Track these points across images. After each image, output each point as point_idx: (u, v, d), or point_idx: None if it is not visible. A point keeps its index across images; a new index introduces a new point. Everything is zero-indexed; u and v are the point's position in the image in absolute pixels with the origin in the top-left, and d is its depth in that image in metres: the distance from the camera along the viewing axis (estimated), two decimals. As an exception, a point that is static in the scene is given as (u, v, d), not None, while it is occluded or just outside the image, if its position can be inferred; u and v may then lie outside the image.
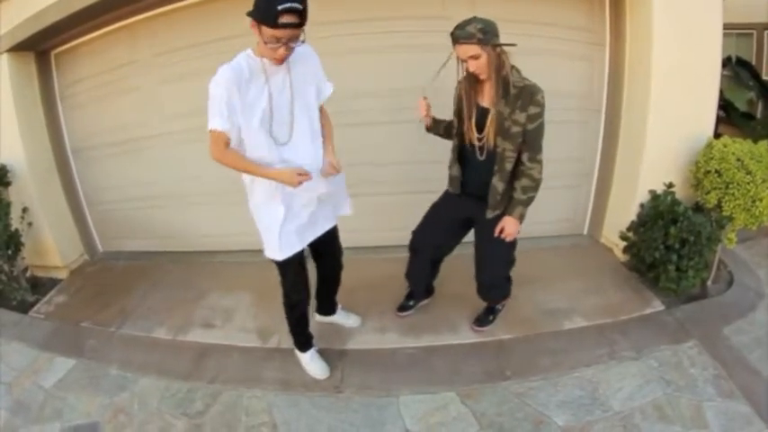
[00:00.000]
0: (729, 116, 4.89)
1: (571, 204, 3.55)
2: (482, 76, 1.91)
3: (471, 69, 1.88)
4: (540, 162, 2.00)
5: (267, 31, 1.52)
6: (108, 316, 3.04)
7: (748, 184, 2.63)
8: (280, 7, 1.44)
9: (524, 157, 1.97)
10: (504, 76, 1.88)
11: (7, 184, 3.46)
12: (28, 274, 3.61)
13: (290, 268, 2.04)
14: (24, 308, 3.28)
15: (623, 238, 3.03)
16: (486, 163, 2.05)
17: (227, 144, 1.69)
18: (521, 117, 1.88)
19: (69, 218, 3.80)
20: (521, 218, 2.06)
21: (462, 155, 2.16)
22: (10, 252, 3.24)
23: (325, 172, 1.88)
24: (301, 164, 1.77)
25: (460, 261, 2.50)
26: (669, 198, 2.83)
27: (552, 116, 3.11)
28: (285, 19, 1.47)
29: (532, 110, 1.88)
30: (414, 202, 2.54)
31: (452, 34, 1.85)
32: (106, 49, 3.47)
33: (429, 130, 2.24)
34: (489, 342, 2.55)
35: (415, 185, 3.14)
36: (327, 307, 2.68)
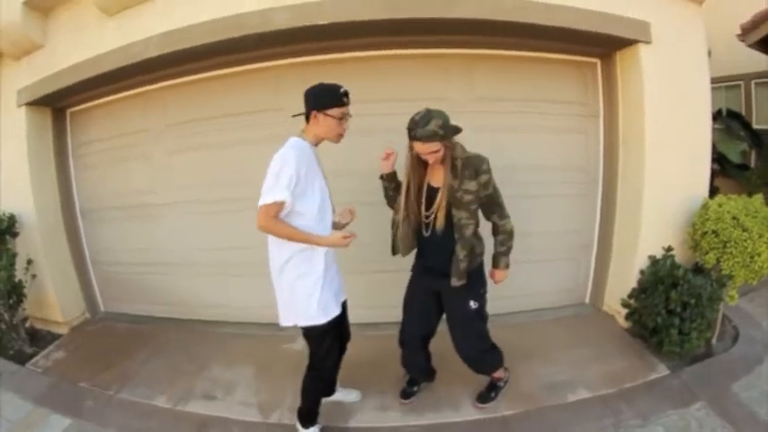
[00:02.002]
0: (724, 168, 4.97)
1: (572, 275, 3.55)
2: (434, 165, 2.01)
3: (431, 162, 1.98)
4: (508, 216, 2.14)
5: (337, 111, 1.91)
6: (107, 378, 2.99)
7: (745, 241, 2.67)
8: (342, 90, 1.93)
9: (494, 218, 2.13)
10: (453, 158, 1.98)
11: (15, 234, 3.52)
12: (27, 324, 3.59)
13: (329, 333, 2.11)
14: (22, 359, 3.24)
15: (625, 305, 3.04)
16: (441, 237, 2.08)
17: (278, 214, 1.84)
18: (471, 186, 1.98)
19: (73, 275, 3.83)
20: (507, 266, 2.22)
21: (416, 234, 2.19)
22: (12, 301, 3.26)
23: (346, 216, 2.20)
24: (331, 232, 2.03)
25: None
26: (669, 262, 2.86)
27: (550, 190, 3.26)
28: (347, 99, 1.95)
29: (483, 178, 1.99)
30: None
31: (411, 131, 1.91)
32: (120, 114, 3.60)
33: (383, 178, 2.22)
34: (492, 419, 2.48)
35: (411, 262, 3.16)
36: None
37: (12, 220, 3.50)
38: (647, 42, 2.88)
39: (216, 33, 2.66)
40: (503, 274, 2.27)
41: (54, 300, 3.61)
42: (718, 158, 4.80)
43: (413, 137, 1.91)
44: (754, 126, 5.47)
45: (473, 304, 2.16)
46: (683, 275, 2.72)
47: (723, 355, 2.87)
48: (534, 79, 3.18)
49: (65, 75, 3.18)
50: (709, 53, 4.57)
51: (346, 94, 1.95)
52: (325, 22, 2.57)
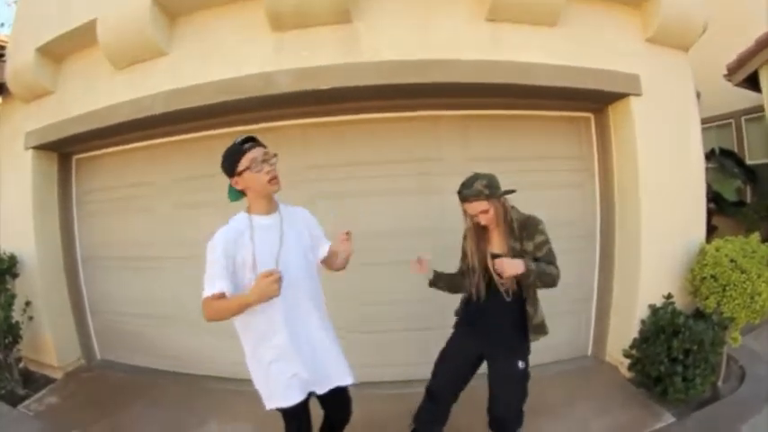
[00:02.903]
0: (721, 207, 5.01)
1: (573, 328, 3.51)
2: (491, 226, 2.03)
3: (483, 223, 1.99)
4: (559, 274, 2.04)
5: (245, 162, 1.73)
6: (101, 429, 2.91)
7: (744, 282, 2.67)
8: (238, 141, 1.76)
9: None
10: (510, 220, 2.01)
11: (15, 275, 3.52)
12: (21, 365, 3.53)
13: (297, 417, 1.91)
14: (13, 400, 3.18)
15: (627, 355, 3.00)
16: (504, 302, 2.08)
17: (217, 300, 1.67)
18: (529, 246, 2.00)
19: (71, 319, 3.79)
20: (527, 269, 1.93)
21: (471, 297, 2.18)
22: (7, 341, 3.23)
23: (342, 239, 1.92)
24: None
25: (467, 392, 2.38)
26: (670, 309, 2.85)
27: None
28: (248, 144, 1.76)
29: (538, 238, 2.00)
30: (415, 339, 2.57)
31: (460, 193, 1.98)
32: (126, 165, 3.67)
33: (432, 285, 2.27)
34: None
35: (416, 323, 3.15)
36: None
37: (12, 260, 3.51)
38: (638, 95, 2.97)
39: (220, 94, 2.76)
40: (513, 266, 1.91)
41: (50, 343, 3.56)
42: (714, 198, 4.85)
43: (461, 198, 1.97)
44: (748, 162, 5.56)
45: (521, 364, 2.13)
46: (683, 323, 2.71)
47: (730, 396, 2.82)
48: (529, 137, 3.26)
49: (73, 123, 3.27)
50: (699, 95, 4.71)
51: (246, 140, 1.76)
52: (326, 87, 2.66)
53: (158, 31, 2.89)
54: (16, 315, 3.32)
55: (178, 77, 2.89)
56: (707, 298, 2.81)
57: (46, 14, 3.35)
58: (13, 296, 3.33)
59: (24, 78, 3.43)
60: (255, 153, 1.73)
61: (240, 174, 1.74)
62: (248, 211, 1.83)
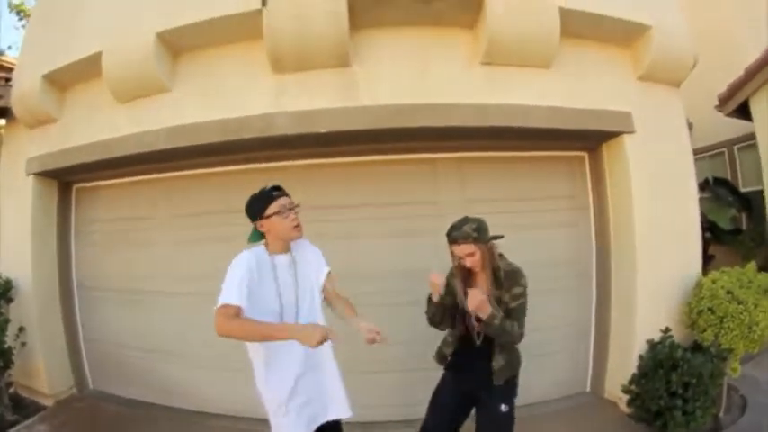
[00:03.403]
0: (716, 236, 5.03)
1: (571, 365, 3.48)
2: (476, 269, 2.08)
3: (468, 265, 2.04)
4: (522, 334, 2.08)
5: (273, 209, 1.88)
6: (90, 462, 2.85)
7: (741, 313, 2.68)
8: (268, 188, 1.94)
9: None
10: (496, 266, 2.06)
11: (10, 300, 3.49)
12: (12, 390, 3.48)
13: None
14: (3, 426, 3.13)
15: (626, 391, 2.98)
16: (486, 345, 2.11)
17: (233, 315, 1.70)
18: (506, 296, 2.05)
19: (64, 347, 3.72)
20: (490, 318, 1.94)
21: (460, 339, 2.24)
22: (-1, 366, 3.16)
23: (370, 338, 1.83)
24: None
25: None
26: (668, 343, 2.85)
27: (544, 285, 3.14)
28: (276, 192, 1.93)
29: (516, 290, 2.04)
30: (414, 380, 2.56)
31: (449, 235, 2.04)
32: (126, 198, 3.67)
33: (434, 304, 2.21)
34: None
35: (415, 363, 3.08)
36: None
37: (8, 285, 3.49)
38: (631, 132, 3.03)
39: (222, 133, 2.82)
40: (478, 302, 1.91)
41: (42, 370, 3.51)
42: (710, 227, 4.88)
43: (450, 240, 2.03)
44: (742, 189, 5.61)
45: (504, 407, 2.14)
46: (682, 356, 2.70)
47: (732, 427, 2.80)
48: (525, 177, 3.30)
49: (75, 152, 3.30)
50: (691, 126, 4.79)
51: (275, 188, 1.93)
52: (325, 131, 2.73)
53: (162, 68, 2.96)
54: (9, 340, 3.28)
55: (180, 114, 2.94)
56: (704, 330, 2.81)
57: (53, 42, 3.43)
58: (7, 321, 3.30)
59: (29, 104, 3.48)
60: (283, 201, 1.90)
61: (267, 218, 1.88)
62: (267, 248, 1.95)
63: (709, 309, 2.79)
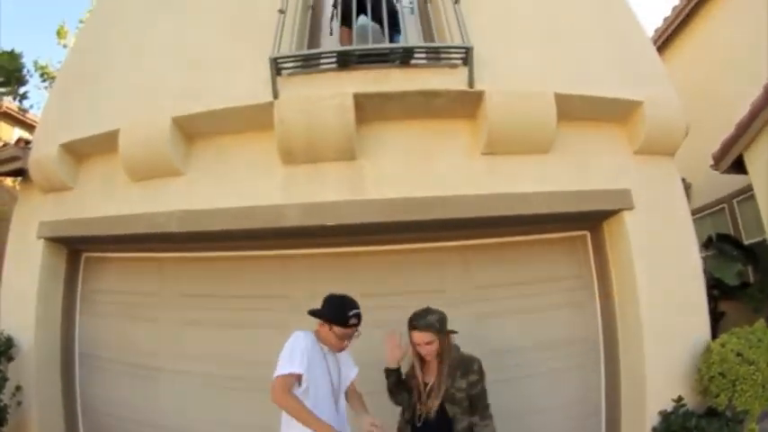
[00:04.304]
0: (724, 291, 4.95)
1: None
2: (427, 358, 2.21)
3: (423, 353, 2.18)
4: (491, 417, 2.19)
5: (340, 330, 2.06)
6: None
7: (754, 374, 2.63)
8: (350, 313, 2.08)
9: (476, 419, 2.17)
10: (452, 357, 2.19)
11: (10, 358, 3.44)
12: (2, 446, 3.36)
13: None
14: None
15: None
16: (437, 429, 2.17)
17: (291, 387, 1.90)
18: (462, 383, 2.17)
19: (60, 413, 3.62)
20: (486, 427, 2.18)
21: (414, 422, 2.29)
22: (-8, 424, 3.08)
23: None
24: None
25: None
26: (681, 412, 2.78)
27: (553, 365, 3.24)
28: (353, 321, 2.08)
29: (472, 377, 2.16)
30: None
31: (410, 322, 2.18)
32: (135, 272, 3.72)
33: (388, 373, 2.31)
34: None
35: None
36: None
37: (9, 342, 3.46)
38: (630, 209, 3.08)
39: (233, 221, 2.91)
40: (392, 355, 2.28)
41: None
42: (717, 284, 4.81)
43: (412, 326, 2.16)
44: (746, 242, 5.56)
45: None
46: (696, 424, 2.65)
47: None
48: (529, 261, 3.35)
49: (87, 224, 3.38)
50: (689, 186, 4.85)
51: (357, 316, 2.10)
52: (332, 224, 2.84)
53: (176, 151, 3.09)
54: (5, 398, 3.24)
55: (191, 199, 3.05)
56: (718, 395, 2.74)
57: (73, 112, 3.60)
58: (5, 379, 3.26)
59: (45, 170, 3.58)
60: (351, 331, 2.10)
61: (331, 327, 2.07)
62: (317, 336, 2.13)
63: (720, 373, 2.74)
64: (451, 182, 2.91)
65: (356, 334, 2.13)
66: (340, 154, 2.88)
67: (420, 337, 2.15)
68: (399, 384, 2.31)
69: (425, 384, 2.24)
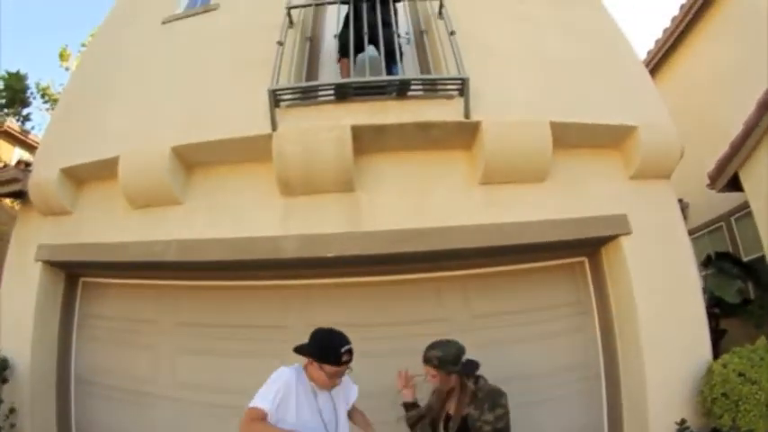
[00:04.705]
0: (726, 310, 4.93)
1: None
2: (445, 388, 2.25)
3: (432, 383, 2.24)
4: None
5: (330, 369, 1.94)
6: None
7: (757, 393, 2.60)
8: (342, 350, 1.94)
9: None
10: (469, 391, 2.20)
11: (4, 380, 3.40)
12: (-8, 469, 3.29)
13: None
14: None
15: None
16: None
17: (258, 419, 1.83)
18: (489, 416, 2.16)
19: None
20: None
21: None
22: (-16, 445, 3.02)
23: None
24: None
25: None
26: (684, 435, 2.74)
27: (555, 392, 3.21)
28: (346, 358, 1.96)
29: (499, 411, 2.17)
30: None
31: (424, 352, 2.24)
32: (132, 299, 3.71)
33: (406, 407, 2.38)
34: None
35: None
36: None
37: (4, 364, 3.42)
38: (628, 234, 3.09)
39: (231, 252, 2.92)
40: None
41: (29, 455, 3.34)
42: (717, 303, 4.79)
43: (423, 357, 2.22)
44: (745, 259, 5.55)
45: None
46: (700, 448, 2.58)
47: None
48: (528, 289, 3.35)
49: (85, 249, 3.38)
50: (687, 206, 4.85)
51: (349, 352, 1.98)
52: (330, 255, 2.85)
53: (175, 181, 3.12)
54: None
55: (190, 227, 3.07)
56: (721, 417, 2.71)
57: (74, 137, 3.63)
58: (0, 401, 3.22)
59: (45, 193, 3.59)
60: (342, 369, 1.98)
61: (321, 365, 1.95)
62: (309, 376, 2.03)
63: (723, 394, 2.71)
64: (449, 212, 2.93)
65: (347, 371, 2.03)
66: (338, 186, 2.91)
67: (425, 368, 2.22)
68: (419, 418, 2.34)
69: (448, 415, 2.27)
